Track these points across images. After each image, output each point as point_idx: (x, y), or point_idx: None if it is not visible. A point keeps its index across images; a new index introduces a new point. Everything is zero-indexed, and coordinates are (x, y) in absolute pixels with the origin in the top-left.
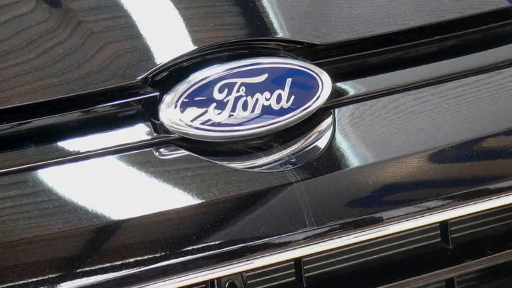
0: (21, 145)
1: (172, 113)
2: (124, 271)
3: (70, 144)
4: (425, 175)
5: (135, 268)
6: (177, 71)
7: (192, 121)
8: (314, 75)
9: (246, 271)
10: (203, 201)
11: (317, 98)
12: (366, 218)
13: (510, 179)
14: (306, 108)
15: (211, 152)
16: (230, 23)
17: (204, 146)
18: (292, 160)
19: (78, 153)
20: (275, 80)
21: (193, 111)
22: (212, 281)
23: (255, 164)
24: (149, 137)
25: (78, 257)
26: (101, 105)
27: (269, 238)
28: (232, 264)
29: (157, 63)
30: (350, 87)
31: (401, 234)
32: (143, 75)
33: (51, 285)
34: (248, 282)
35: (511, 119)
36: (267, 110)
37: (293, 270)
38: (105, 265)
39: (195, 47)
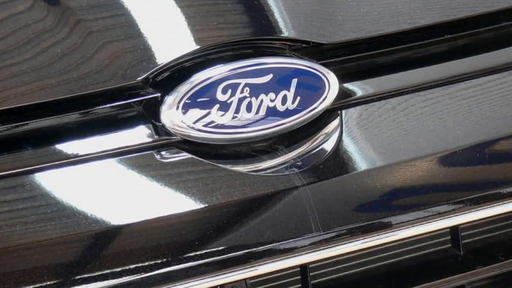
0: (18, 148)
1: (174, 115)
2: (124, 278)
3: (68, 147)
4: (435, 179)
5: (136, 275)
6: (179, 71)
7: (194, 123)
8: (321, 75)
9: (251, 278)
10: (206, 205)
11: (324, 99)
12: (374, 223)
13: None
14: (312, 110)
15: (214, 155)
16: (234, 21)
17: (207, 149)
18: (298, 163)
19: (77, 156)
20: (280, 80)
21: (195, 113)
22: None
23: (259, 168)
24: (150, 140)
25: (77, 264)
26: (101, 107)
27: (274, 244)
28: (236, 270)
29: (159, 63)
30: (357, 88)
31: (411, 239)
32: (144, 76)
33: None
34: None
35: None
36: (272, 112)
37: (299, 277)
38: (105, 272)
39: (198, 47)
